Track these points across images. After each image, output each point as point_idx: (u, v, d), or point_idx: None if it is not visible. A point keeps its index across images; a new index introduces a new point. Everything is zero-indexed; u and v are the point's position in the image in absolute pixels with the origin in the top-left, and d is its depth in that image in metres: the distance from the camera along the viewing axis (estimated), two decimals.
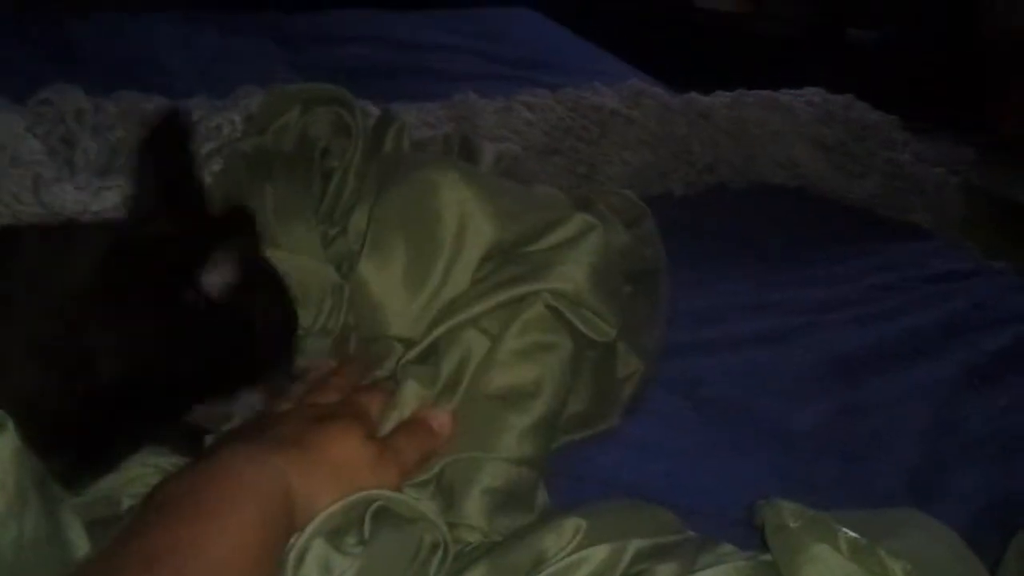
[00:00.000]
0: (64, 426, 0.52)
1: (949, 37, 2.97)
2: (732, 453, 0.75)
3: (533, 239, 0.66)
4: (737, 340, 0.90)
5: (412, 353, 0.61)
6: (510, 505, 0.56)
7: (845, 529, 0.46)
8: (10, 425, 0.43)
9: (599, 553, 0.51)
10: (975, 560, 0.49)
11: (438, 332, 0.61)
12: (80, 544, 0.46)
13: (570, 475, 0.65)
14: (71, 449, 0.52)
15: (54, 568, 0.44)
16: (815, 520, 0.47)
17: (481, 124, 1.08)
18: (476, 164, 0.86)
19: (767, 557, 0.50)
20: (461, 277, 0.65)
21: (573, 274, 0.62)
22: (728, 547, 0.54)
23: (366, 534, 0.49)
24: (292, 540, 0.48)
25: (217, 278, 0.54)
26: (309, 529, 0.48)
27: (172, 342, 0.54)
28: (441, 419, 0.57)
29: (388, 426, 0.57)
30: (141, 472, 0.56)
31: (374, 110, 0.87)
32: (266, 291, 0.61)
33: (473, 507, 0.55)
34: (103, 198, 0.80)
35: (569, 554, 0.51)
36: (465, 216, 0.65)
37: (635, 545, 0.52)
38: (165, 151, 0.59)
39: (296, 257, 0.65)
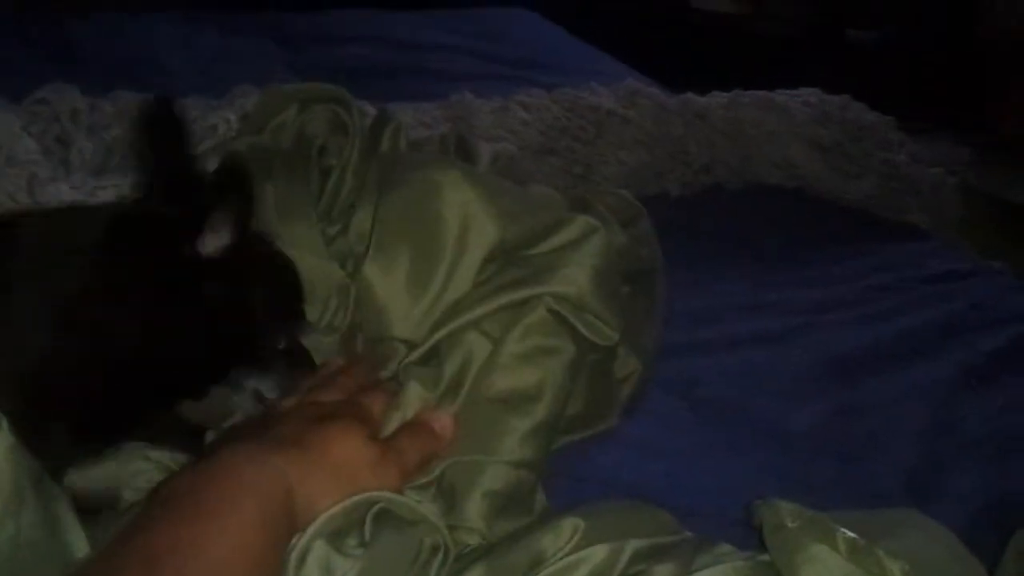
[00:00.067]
0: (63, 393, 0.53)
1: (948, 37, 2.98)
2: (729, 453, 0.75)
3: (535, 241, 0.66)
4: (734, 340, 0.90)
5: (414, 355, 0.61)
6: (510, 508, 0.56)
7: (843, 529, 0.46)
8: (4, 424, 0.43)
9: (597, 553, 0.51)
10: (973, 560, 0.49)
11: (440, 335, 0.61)
12: (78, 543, 0.46)
13: (568, 475, 0.65)
14: (66, 420, 0.53)
15: (52, 567, 0.44)
16: (813, 520, 0.47)
17: (477, 124, 1.08)
18: (473, 164, 0.86)
19: (765, 557, 0.50)
20: (464, 279, 0.65)
21: (576, 277, 0.62)
22: (726, 547, 0.54)
23: (367, 536, 0.49)
24: (293, 541, 0.48)
25: (215, 238, 0.54)
26: (310, 530, 0.48)
27: (169, 305, 0.55)
28: (443, 421, 0.57)
29: (390, 427, 0.57)
30: (142, 467, 0.56)
31: (371, 110, 0.87)
32: (266, 266, 0.61)
33: (474, 509, 0.54)
34: (98, 198, 0.79)
35: (567, 554, 0.51)
36: (468, 217, 0.65)
37: (633, 545, 0.52)
38: (162, 138, 0.59)
39: (301, 255, 0.65)
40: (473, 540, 0.54)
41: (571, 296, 0.62)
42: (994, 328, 1.01)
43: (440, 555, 0.51)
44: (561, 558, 0.51)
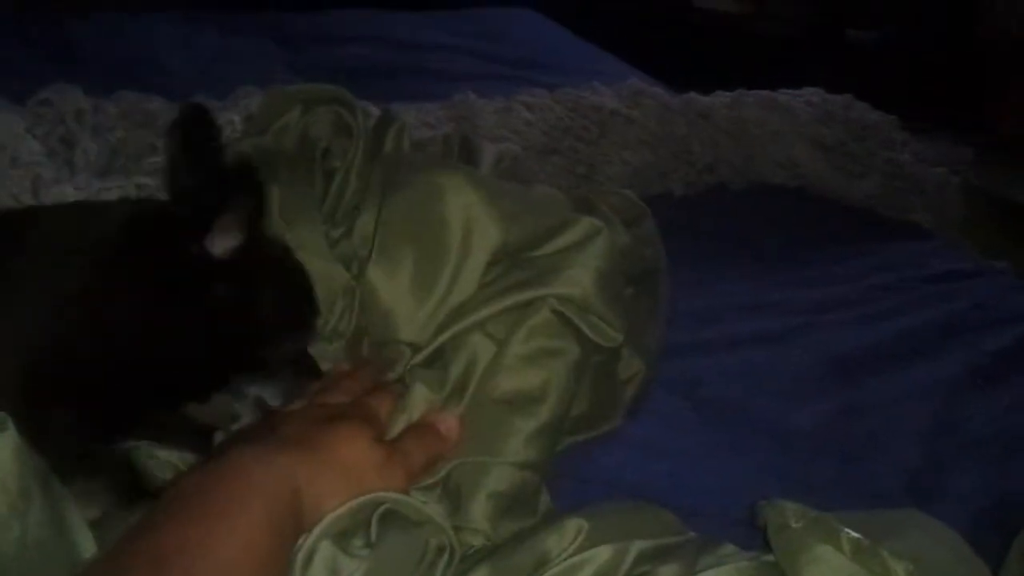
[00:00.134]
0: (64, 388, 0.53)
1: (948, 37, 2.98)
2: (731, 453, 0.75)
3: (539, 242, 0.66)
4: (736, 340, 0.90)
5: (419, 357, 0.62)
6: (514, 509, 0.57)
7: (847, 529, 0.46)
8: (10, 424, 0.43)
9: (602, 554, 0.51)
10: (978, 561, 0.49)
11: (445, 337, 0.61)
12: (85, 543, 0.46)
13: (572, 476, 0.65)
14: (67, 415, 0.53)
15: (59, 567, 0.44)
16: (817, 520, 0.48)
17: (481, 124, 1.08)
18: (476, 164, 0.86)
19: (769, 557, 0.50)
20: (468, 281, 0.65)
21: (580, 279, 0.62)
22: (730, 547, 0.54)
23: (373, 536, 0.50)
24: (300, 541, 0.48)
25: (224, 238, 0.55)
26: (317, 531, 0.48)
27: (173, 304, 0.55)
28: (449, 423, 0.57)
29: (396, 429, 0.57)
30: (151, 464, 0.56)
31: (374, 110, 0.87)
32: (277, 271, 0.61)
33: (479, 511, 0.55)
34: (103, 199, 0.79)
35: (572, 555, 0.51)
36: (471, 220, 0.65)
37: (637, 546, 0.52)
38: (194, 143, 0.59)
39: (306, 258, 0.65)
40: (478, 541, 0.55)
41: (575, 298, 0.62)
42: (996, 328, 1.01)
43: (445, 556, 0.52)
44: (565, 559, 0.51)
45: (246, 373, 0.60)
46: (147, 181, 0.81)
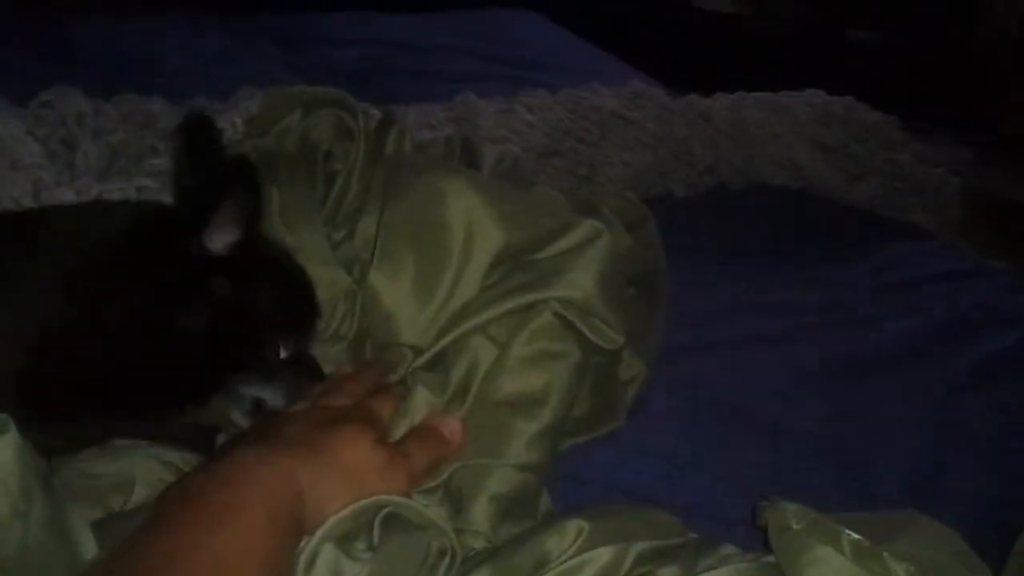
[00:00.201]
0: (72, 375, 0.54)
1: (948, 38, 2.98)
2: (731, 455, 0.75)
3: (541, 245, 0.66)
4: (736, 341, 0.90)
5: (421, 360, 0.62)
6: (515, 511, 0.57)
7: (848, 531, 0.46)
8: (11, 426, 0.44)
9: (602, 556, 0.51)
10: (978, 562, 0.49)
11: (447, 340, 0.61)
12: (87, 544, 0.46)
13: (571, 477, 0.65)
14: (63, 414, 0.54)
15: (61, 569, 0.45)
16: (818, 522, 0.48)
17: (482, 125, 1.08)
18: (477, 166, 0.86)
19: (769, 559, 0.50)
20: (470, 284, 0.65)
21: (582, 281, 0.62)
22: (730, 548, 0.54)
23: (375, 540, 0.50)
24: (302, 544, 0.48)
25: (222, 234, 0.55)
26: (319, 533, 0.48)
27: (170, 301, 0.55)
28: (451, 426, 0.58)
29: (399, 432, 0.57)
30: (150, 464, 0.56)
31: (375, 112, 0.87)
32: (276, 270, 0.61)
33: (480, 513, 0.55)
34: (105, 201, 0.79)
35: (571, 557, 0.51)
36: (473, 223, 0.65)
37: (637, 548, 0.52)
38: (197, 147, 0.59)
39: (307, 262, 0.65)
40: (479, 543, 0.55)
41: (577, 300, 0.62)
42: (996, 328, 1.01)
43: (447, 559, 0.52)
44: (565, 560, 0.51)
45: (245, 373, 0.60)
46: (148, 183, 0.81)
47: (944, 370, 0.92)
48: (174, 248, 0.56)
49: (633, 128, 1.17)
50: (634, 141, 1.15)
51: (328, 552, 0.48)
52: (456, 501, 0.55)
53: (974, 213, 1.46)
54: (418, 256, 0.66)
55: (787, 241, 1.14)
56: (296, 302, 0.62)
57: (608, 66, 1.63)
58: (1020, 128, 2.75)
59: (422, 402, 0.58)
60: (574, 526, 0.53)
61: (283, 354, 0.61)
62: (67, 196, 0.78)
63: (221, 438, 0.59)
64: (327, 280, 0.66)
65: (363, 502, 0.49)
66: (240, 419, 0.60)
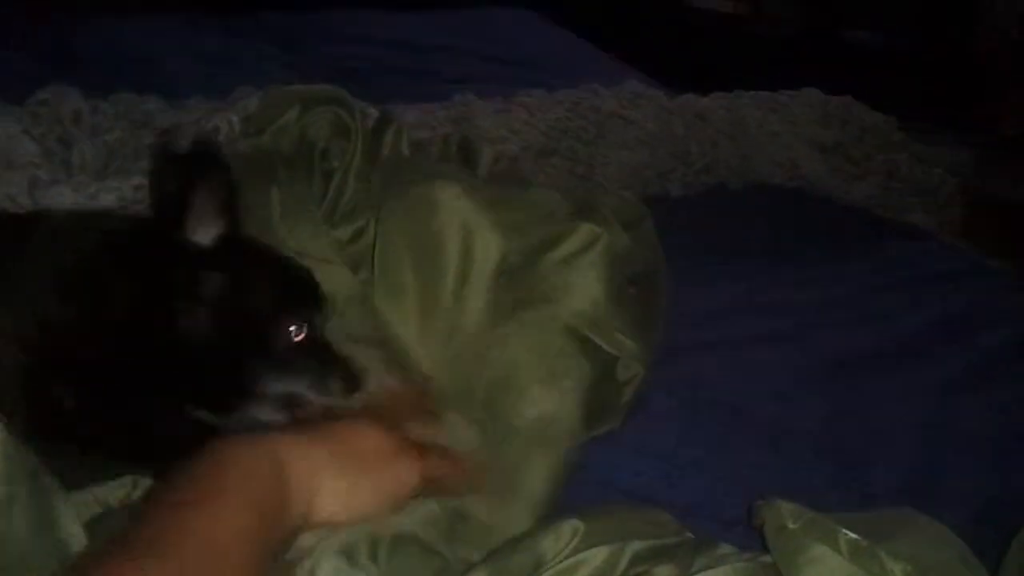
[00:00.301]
0: (71, 354, 0.54)
1: (948, 38, 2.98)
2: (730, 454, 0.75)
3: (543, 251, 0.66)
4: (734, 341, 0.90)
5: (439, 386, 0.62)
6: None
7: (845, 530, 0.46)
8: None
9: (597, 556, 0.51)
10: (976, 561, 0.49)
11: (461, 366, 0.62)
12: (77, 536, 0.46)
13: (571, 477, 0.65)
14: (69, 383, 0.54)
15: (49, 561, 0.44)
16: (815, 521, 0.47)
17: (480, 125, 1.08)
18: (475, 165, 0.86)
19: (766, 558, 0.50)
20: (476, 294, 0.65)
21: (590, 291, 0.62)
22: (727, 548, 0.54)
23: (381, 557, 0.50)
24: (304, 555, 0.47)
25: (200, 221, 0.54)
26: (320, 547, 0.48)
27: (165, 297, 0.55)
28: (466, 457, 0.57)
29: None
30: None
31: (372, 111, 0.87)
32: (266, 255, 0.61)
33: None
34: (101, 200, 0.79)
35: (567, 557, 0.51)
36: (470, 235, 0.65)
37: (633, 547, 0.52)
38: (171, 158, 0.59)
39: (310, 260, 0.65)
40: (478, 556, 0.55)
41: (587, 313, 0.62)
42: (995, 327, 1.01)
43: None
44: (562, 560, 0.51)
45: (260, 366, 0.58)
46: (145, 182, 0.81)
47: (943, 370, 0.92)
48: (161, 248, 0.55)
49: (631, 128, 1.17)
50: (632, 140, 1.15)
51: (331, 561, 0.48)
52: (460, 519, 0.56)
53: (974, 213, 1.46)
54: (417, 272, 0.66)
55: (786, 241, 1.14)
56: (294, 283, 0.61)
57: (606, 66, 1.63)
58: (1020, 128, 2.75)
59: (449, 428, 0.59)
60: (569, 527, 0.52)
61: (296, 337, 0.58)
62: (63, 194, 0.78)
63: None
64: (334, 278, 0.66)
65: (366, 528, 0.49)
66: (268, 416, 0.58)
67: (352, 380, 0.59)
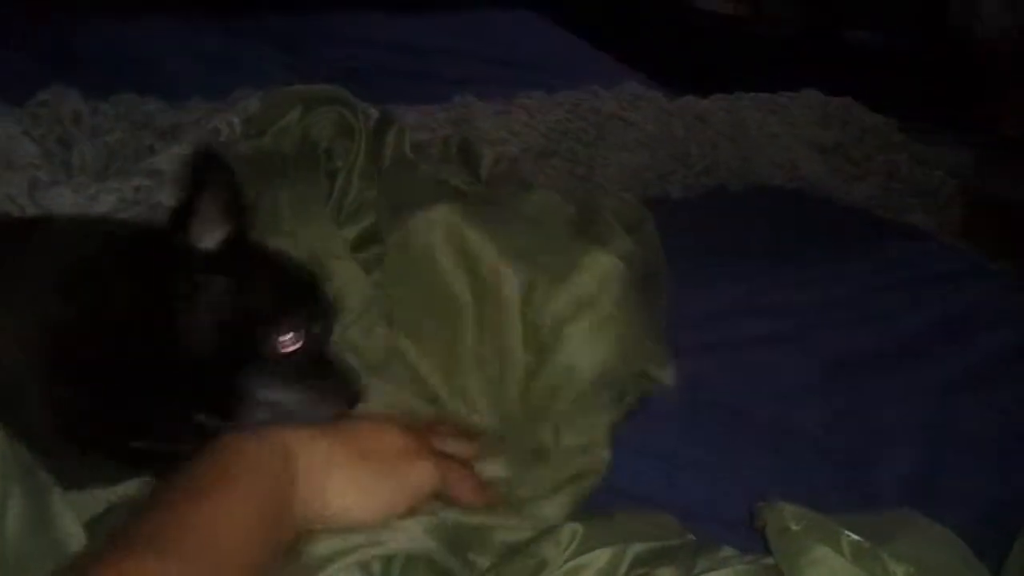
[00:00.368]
0: (72, 355, 0.53)
1: (947, 38, 2.98)
2: (731, 456, 0.75)
3: (557, 280, 0.66)
4: (734, 342, 0.90)
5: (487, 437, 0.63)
6: None
7: (847, 532, 0.46)
8: None
9: (600, 558, 0.51)
10: (978, 563, 0.49)
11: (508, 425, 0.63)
12: (75, 535, 0.46)
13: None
14: (70, 384, 0.53)
15: (44, 560, 0.44)
16: (817, 522, 0.47)
17: (480, 126, 1.08)
18: (475, 167, 0.85)
19: (768, 560, 0.50)
20: (506, 328, 0.66)
21: (617, 341, 0.65)
22: (728, 550, 0.54)
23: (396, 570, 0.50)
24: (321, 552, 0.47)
25: (205, 226, 0.54)
26: (336, 564, 0.47)
27: (163, 300, 0.55)
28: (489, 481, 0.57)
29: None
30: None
31: (373, 112, 0.87)
32: (270, 258, 0.60)
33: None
34: (101, 201, 0.79)
35: (569, 559, 0.51)
36: (478, 267, 0.66)
37: (634, 549, 0.52)
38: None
39: (323, 258, 0.65)
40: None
41: (615, 367, 0.65)
42: (995, 328, 1.01)
43: None
44: (562, 564, 0.51)
45: (254, 373, 0.56)
46: (145, 183, 0.81)
47: (944, 371, 0.91)
48: (164, 251, 0.55)
49: (631, 129, 1.17)
50: (632, 142, 1.15)
51: (347, 572, 0.48)
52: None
53: (974, 213, 1.46)
54: (429, 318, 0.66)
55: (787, 242, 1.14)
56: (294, 289, 0.60)
57: (606, 67, 1.63)
58: (1020, 128, 2.75)
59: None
60: (568, 530, 0.52)
61: (292, 347, 0.57)
62: (63, 195, 0.78)
63: None
64: (349, 275, 0.66)
65: (380, 547, 0.49)
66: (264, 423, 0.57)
67: (350, 394, 0.58)
